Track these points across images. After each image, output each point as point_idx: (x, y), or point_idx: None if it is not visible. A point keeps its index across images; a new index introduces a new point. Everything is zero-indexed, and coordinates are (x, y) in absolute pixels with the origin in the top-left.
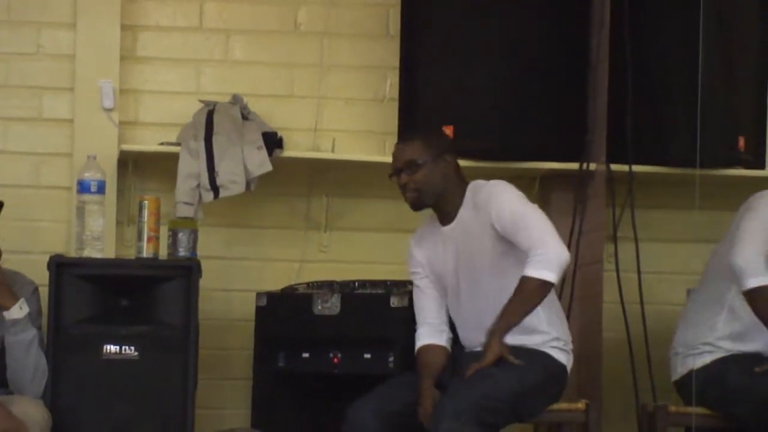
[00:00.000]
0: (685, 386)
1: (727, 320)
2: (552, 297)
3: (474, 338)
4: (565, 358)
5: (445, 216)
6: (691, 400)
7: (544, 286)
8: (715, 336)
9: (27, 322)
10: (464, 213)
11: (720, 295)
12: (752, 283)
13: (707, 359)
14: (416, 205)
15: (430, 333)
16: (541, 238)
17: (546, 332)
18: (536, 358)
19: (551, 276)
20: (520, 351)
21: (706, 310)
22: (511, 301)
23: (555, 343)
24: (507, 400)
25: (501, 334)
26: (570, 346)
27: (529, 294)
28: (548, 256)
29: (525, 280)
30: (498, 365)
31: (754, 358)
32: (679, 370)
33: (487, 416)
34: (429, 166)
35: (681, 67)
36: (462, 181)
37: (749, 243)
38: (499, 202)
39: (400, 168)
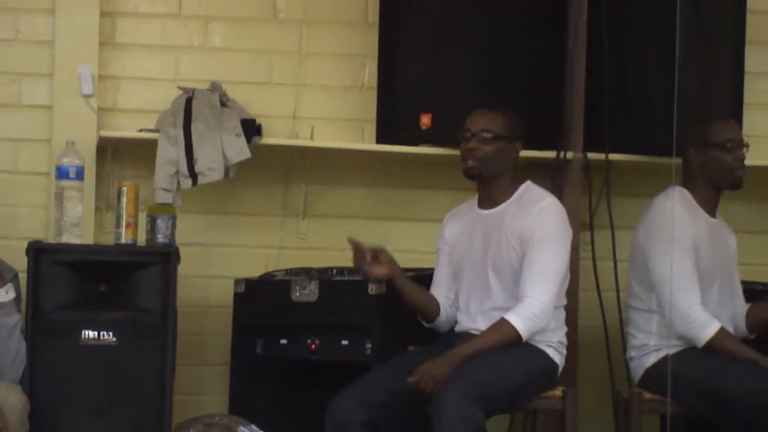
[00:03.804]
0: (646, 385)
1: (660, 322)
2: (562, 301)
3: (465, 320)
4: (559, 359)
5: (489, 199)
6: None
7: (515, 339)
8: (654, 339)
9: (12, 306)
10: (509, 207)
11: (648, 305)
12: (706, 335)
13: (652, 358)
14: (471, 174)
15: (434, 292)
16: (543, 288)
17: (548, 333)
18: (535, 354)
19: (526, 335)
20: (522, 345)
21: (642, 319)
22: (483, 335)
23: (552, 344)
24: (508, 390)
25: (455, 359)
26: (564, 351)
27: (500, 338)
28: (537, 313)
29: (506, 326)
30: (501, 353)
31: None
32: (638, 372)
33: (488, 403)
34: (501, 143)
35: (658, 55)
36: (517, 172)
37: (685, 291)
38: (541, 221)
39: (474, 132)
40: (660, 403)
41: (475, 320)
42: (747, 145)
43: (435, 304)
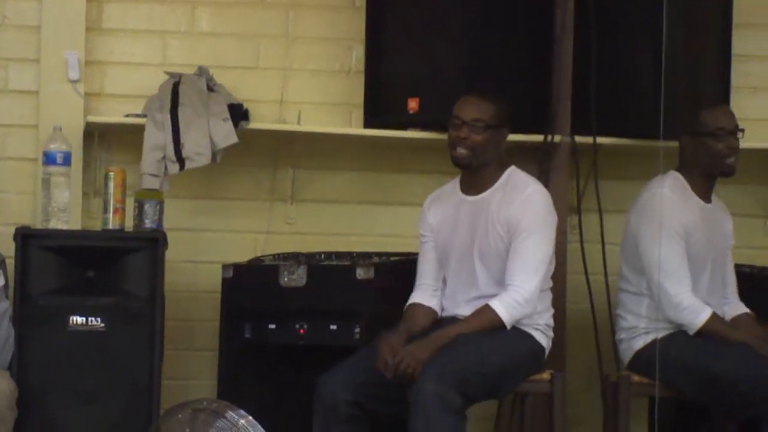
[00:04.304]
0: (635, 368)
1: (650, 305)
2: (548, 284)
3: (451, 306)
4: (545, 342)
5: (474, 186)
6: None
7: (498, 326)
8: (644, 322)
9: (2, 293)
10: (494, 193)
11: (639, 288)
12: (699, 321)
13: (641, 341)
14: (462, 162)
15: (422, 295)
16: (528, 276)
17: (534, 316)
18: (521, 337)
19: (510, 322)
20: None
21: (632, 301)
22: (467, 320)
23: (539, 327)
24: (491, 375)
25: (436, 342)
26: (551, 333)
27: (484, 324)
28: (521, 302)
29: (490, 312)
30: (484, 338)
31: (684, 334)
32: (627, 354)
33: (469, 388)
34: (492, 132)
35: (645, 38)
36: (504, 157)
37: (675, 278)
38: (527, 209)
39: (465, 121)
40: (649, 386)
41: (461, 307)
42: (742, 131)
43: (434, 315)
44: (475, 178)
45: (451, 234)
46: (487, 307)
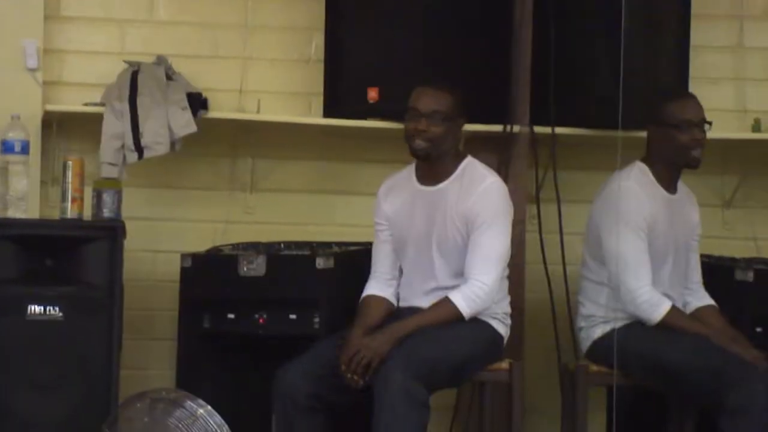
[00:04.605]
0: (593, 357)
1: (609, 295)
2: (505, 272)
3: (409, 296)
4: (504, 330)
5: (431, 176)
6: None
7: (457, 319)
8: (603, 310)
9: None
10: (452, 185)
11: (600, 278)
12: (657, 315)
13: (600, 330)
14: (420, 154)
15: (377, 285)
16: (487, 270)
17: (492, 305)
18: (480, 326)
19: (469, 315)
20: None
21: (593, 290)
22: (426, 312)
23: (497, 316)
24: (453, 365)
25: (396, 334)
26: (509, 321)
27: (443, 317)
28: (481, 295)
29: (449, 305)
30: (444, 328)
31: (641, 324)
32: (586, 343)
33: (432, 378)
34: (450, 124)
35: (604, 29)
36: (459, 148)
37: (635, 272)
38: (484, 202)
39: (423, 113)
40: (606, 375)
41: (419, 298)
42: (709, 123)
43: (390, 306)
44: (432, 168)
45: (408, 224)
46: (447, 299)
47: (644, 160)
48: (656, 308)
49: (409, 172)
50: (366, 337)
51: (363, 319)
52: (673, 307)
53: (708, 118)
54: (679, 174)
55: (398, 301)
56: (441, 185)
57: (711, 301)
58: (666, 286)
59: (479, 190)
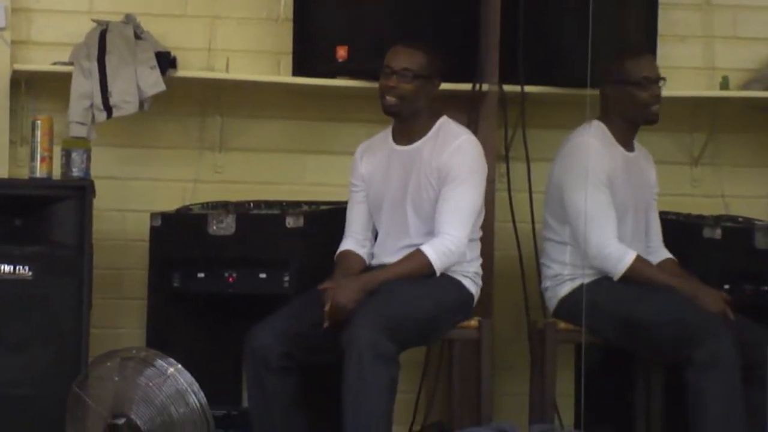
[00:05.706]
0: (560, 315)
1: (573, 253)
2: (478, 234)
3: (381, 254)
4: (474, 290)
5: (405, 135)
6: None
7: (428, 271)
8: (568, 269)
9: None
10: (426, 143)
11: (562, 237)
12: (623, 265)
13: (567, 288)
14: (390, 111)
15: (351, 243)
16: (457, 224)
17: (464, 264)
18: (450, 284)
19: (440, 268)
20: (437, 276)
21: (557, 250)
22: (398, 263)
23: (468, 275)
24: (422, 321)
25: (367, 284)
26: (480, 281)
27: (414, 268)
28: (451, 249)
29: (420, 257)
30: (414, 285)
31: (609, 279)
32: (552, 301)
33: (400, 334)
34: (421, 81)
35: None
36: (434, 107)
37: (599, 226)
38: (457, 158)
39: (395, 70)
40: (575, 332)
41: (392, 255)
42: (664, 79)
43: (364, 264)
44: (407, 127)
45: (384, 184)
46: (418, 251)
47: (600, 119)
48: (620, 259)
49: (386, 133)
50: (338, 286)
51: (342, 271)
52: (638, 257)
53: (667, 76)
54: (635, 132)
55: (371, 260)
56: (416, 144)
57: (670, 255)
58: (628, 243)
59: (453, 147)
